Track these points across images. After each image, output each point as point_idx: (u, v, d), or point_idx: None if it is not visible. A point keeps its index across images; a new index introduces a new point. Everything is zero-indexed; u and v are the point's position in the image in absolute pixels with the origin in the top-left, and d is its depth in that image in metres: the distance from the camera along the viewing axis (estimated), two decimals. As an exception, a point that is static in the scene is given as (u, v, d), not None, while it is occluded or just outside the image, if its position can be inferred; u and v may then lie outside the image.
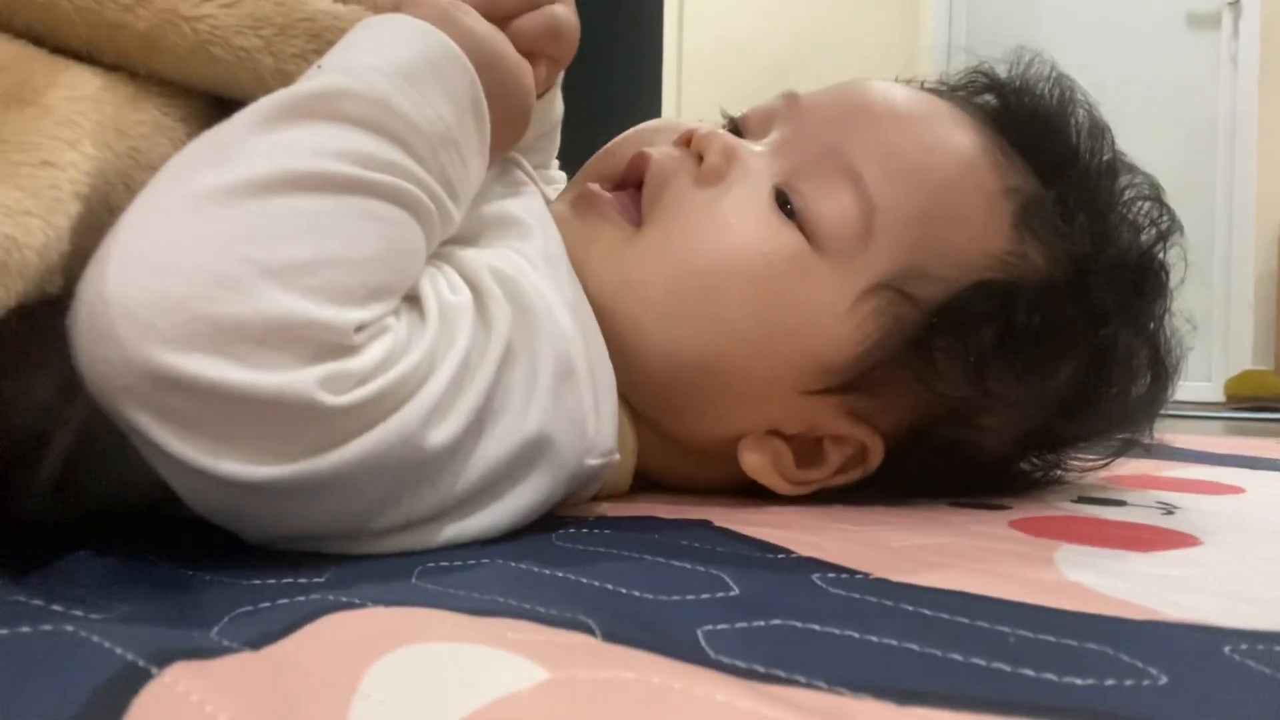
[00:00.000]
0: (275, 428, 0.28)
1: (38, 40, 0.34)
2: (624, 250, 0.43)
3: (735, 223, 0.42)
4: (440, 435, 0.31)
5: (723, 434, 0.44)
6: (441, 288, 0.34)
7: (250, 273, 0.27)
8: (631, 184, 0.45)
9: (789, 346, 0.42)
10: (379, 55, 0.33)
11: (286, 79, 0.34)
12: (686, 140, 0.45)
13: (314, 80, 0.32)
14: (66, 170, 0.29)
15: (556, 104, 0.55)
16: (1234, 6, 2.58)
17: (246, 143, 0.30)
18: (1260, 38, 2.54)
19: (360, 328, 0.29)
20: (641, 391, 0.43)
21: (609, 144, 0.49)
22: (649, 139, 0.47)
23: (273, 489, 0.28)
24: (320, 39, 0.36)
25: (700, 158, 0.44)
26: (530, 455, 0.34)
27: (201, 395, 0.26)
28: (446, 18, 0.37)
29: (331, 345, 0.28)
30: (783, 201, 0.43)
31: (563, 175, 0.62)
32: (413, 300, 0.33)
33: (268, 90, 0.34)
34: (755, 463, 0.44)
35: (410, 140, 0.32)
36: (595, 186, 0.45)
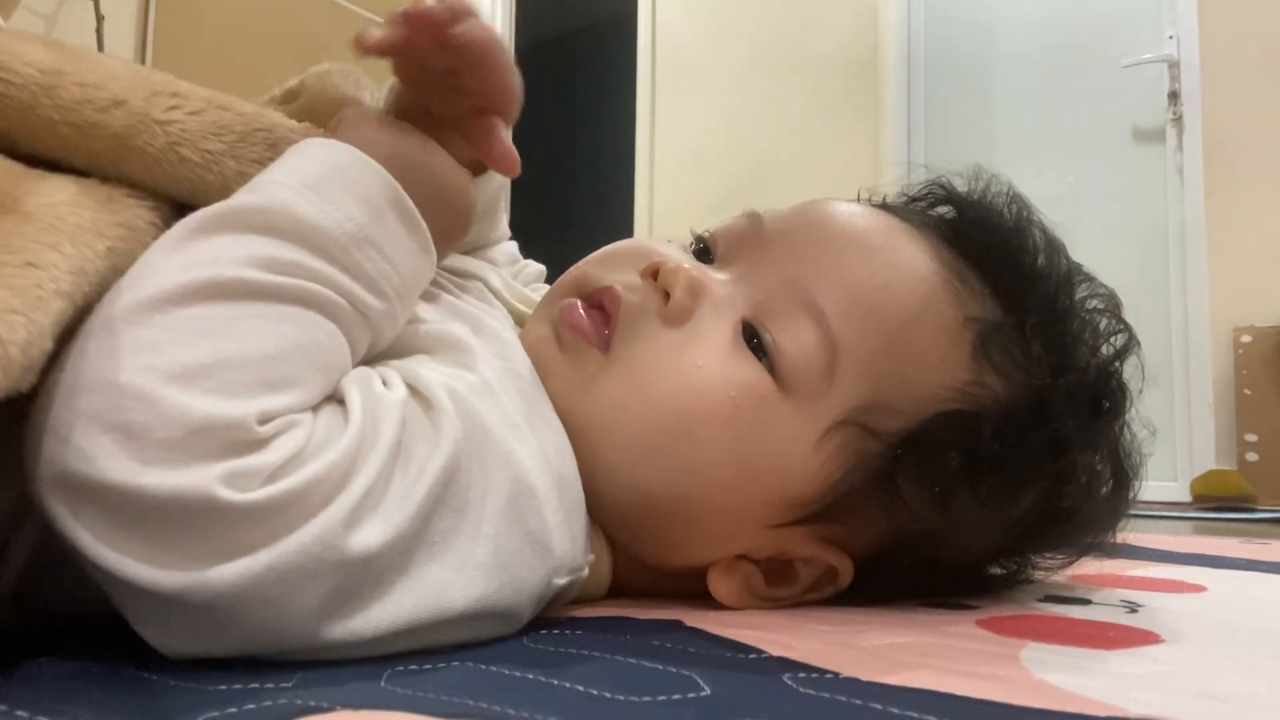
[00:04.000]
0: (181, 528, 0.28)
1: (10, 147, 0.35)
2: (597, 386, 0.43)
3: (704, 364, 0.42)
4: (367, 537, 0.30)
5: (693, 562, 0.45)
6: (373, 385, 0.34)
7: (152, 381, 0.29)
8: (599, 307, 0.45)
9: (758, 485, 0.42)
10: (284, 173, 0.36)
11: (248, 181, 0.37)
12: (654, 272, 0.45)
13: (225, 202, 0.34)
14: (48, 270, 0.30)
15: (494, 177, 0.54)
16: (1176, 123, 2.71)
17: (159, 262, 0.32)
18: (1203, 152, 2.67)
19: (264, 420, 0.30)
20: (612, 524, 0.43)
21: (579, 267, 0.49)
22: (617, 264, 0.47)
23: (185, 598, 0.28)
24: (276, 148, 0.39)
25: (666, 294, 0.44)
26: (486, 581, 0.33)
27: (112, 498, 0.28)
28: (374, 134, 0.40)
29: (235, 441, 0.29)
30: (750, 335, 0.43)
31: (510, 240, 0.61)
32: (338, 401, 0.34)
33: (230, 193, 0.36)
34: (725, 591, 0.44)
35: (316, 241, 0.34)
36: (574, 303, 0.45)
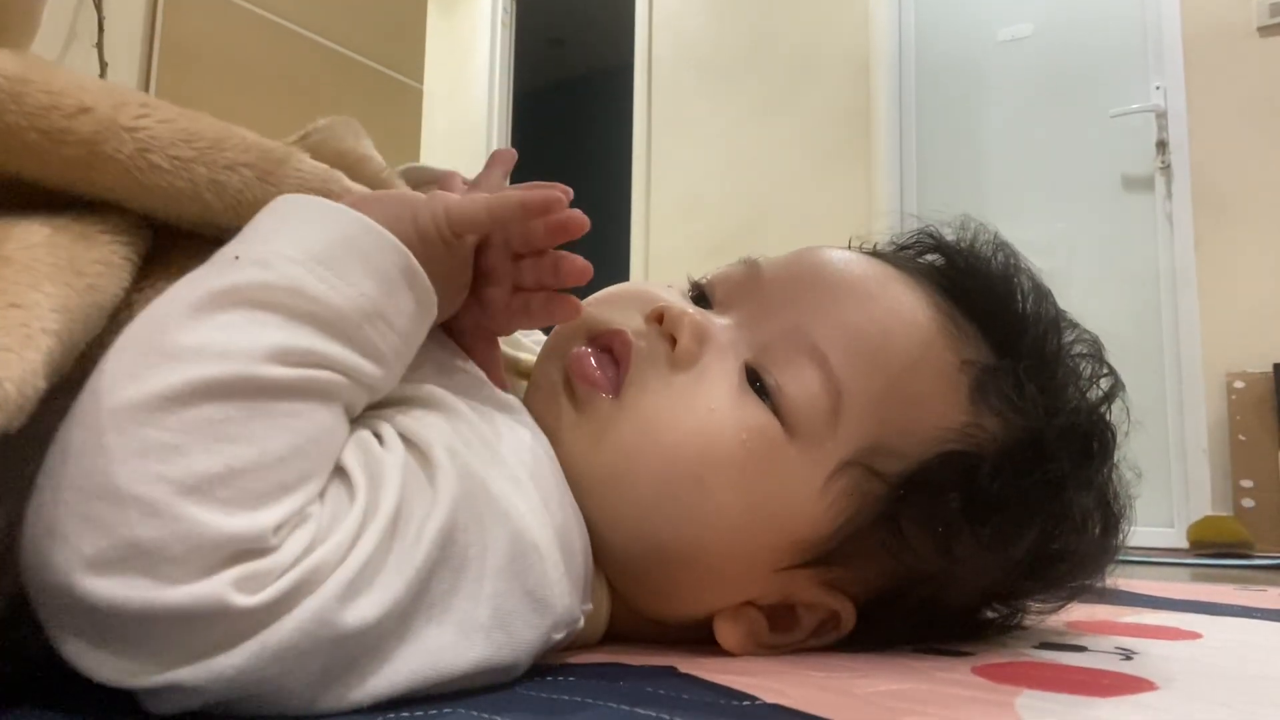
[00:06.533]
0: (186, 634, 0.28)
1: None
2: (610, 436, 0.43)
3: (716, 408, 0.43)
4: (364, 610, 0.30)
5: (698, 612, 0.45)
6: (371, 449, 0.34)
7: (166, 493, 0.27)
8: (607, 351, 0.45)
9: (767, 529, 0.42)
10: (293, 244, 0.34)
11: (220, 189, 0.37)
12: (658, 317, 0.45)
13: (230, 274, 0.32)
14: (33, 309, 0.30)
15: None
16: (1165, 171, 2.75)
17: (165, 344, 0.30)
18: (1191, 198, 2.70)
19: (279, 527, 0.29)
20: (618, 575, 0.43)
21: (584, 305, 0.49)
22: (619, 307, 0.48)
23: (183, 685, 0.28)
24: (250, 152, 0.38)
25: (673, 339, 0.45)
26: (486, 643, 0.33)
27: (119, 614, 0.27)
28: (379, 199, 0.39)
29: (248, 552, 0.28)
30: (753, 379, 0.44)
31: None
32: (340, 472, 0.33)
33: (204, 202, 0.36)
34: (731, 638, 0.44)
35: (328, 319, 0.33)
36: (585, 351, 0.45)
